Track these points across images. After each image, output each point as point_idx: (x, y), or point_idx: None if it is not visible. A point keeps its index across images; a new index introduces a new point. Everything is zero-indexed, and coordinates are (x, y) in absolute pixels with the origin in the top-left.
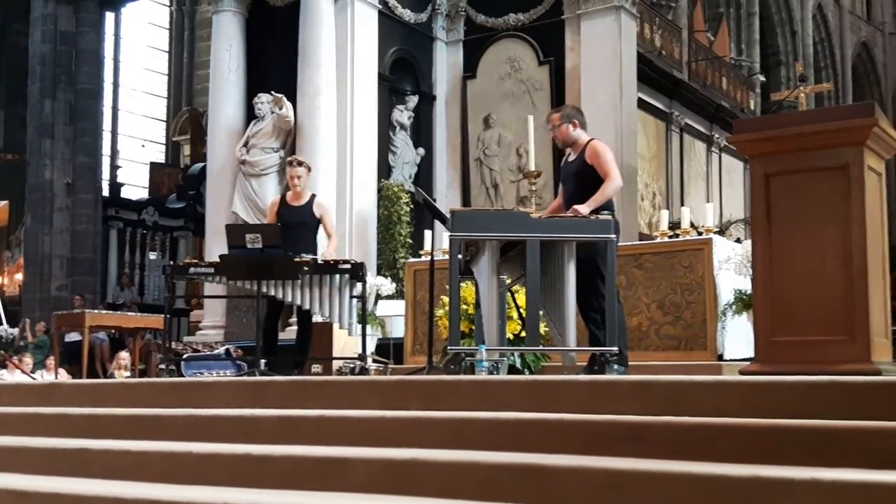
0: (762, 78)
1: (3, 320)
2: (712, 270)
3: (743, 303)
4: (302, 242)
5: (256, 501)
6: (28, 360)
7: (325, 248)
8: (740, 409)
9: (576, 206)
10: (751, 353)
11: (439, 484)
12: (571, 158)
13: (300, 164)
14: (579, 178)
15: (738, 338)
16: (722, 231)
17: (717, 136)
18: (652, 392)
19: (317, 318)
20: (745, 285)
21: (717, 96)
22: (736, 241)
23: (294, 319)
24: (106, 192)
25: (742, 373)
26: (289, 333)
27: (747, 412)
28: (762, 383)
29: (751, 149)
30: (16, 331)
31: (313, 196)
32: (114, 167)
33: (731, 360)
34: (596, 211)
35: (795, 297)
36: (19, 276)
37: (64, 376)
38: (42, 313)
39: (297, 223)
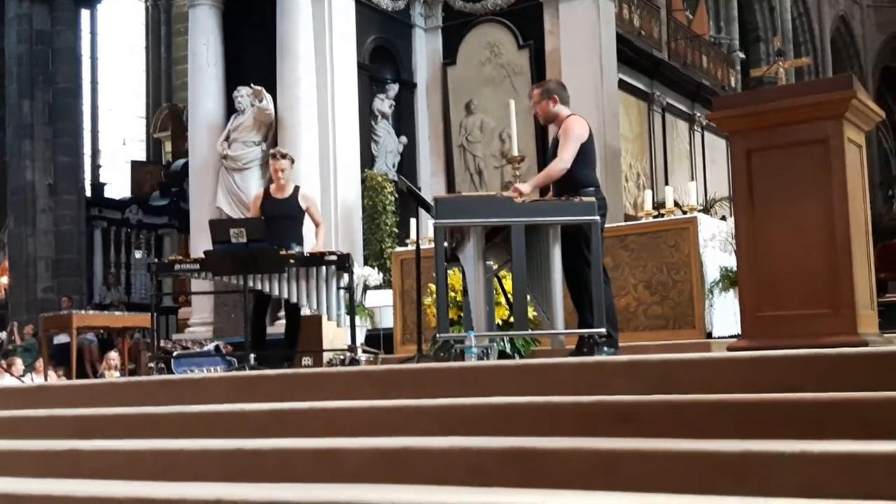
0: (741, 55)
1: None
2: (698, 249)
3: (729, 280)
4: (288, 235)
5: (250, 496)
6: (19, 364)
7: (314, 238)
8: (729, 385)
9: (516, 185)
10: (738, 330)
11: (432, 471)
12: (555, 135)
13: (283, 156)
14: (553, 155)
15: (725, 315)
16: (707, 209)
17: (698, 114)
18: (641, 371)
19: (305, 311)
20: (731, 262)
21: (698, 75)
22: (721, 219)
23: (283, 313)
24: (88, 192)
25: (730, 349)
26: (278, 328)
27: (736, 388)
28: (749, 358)
29: (731, 125)
30: (3, 334)
31: (297, 188)
32: (95, 166)
33: (719, 338)
34: (577, 192)
35: (780, 272)
36: (4, 280)
37: (53, 378)
38: (29, 316)
39: (282, 216)
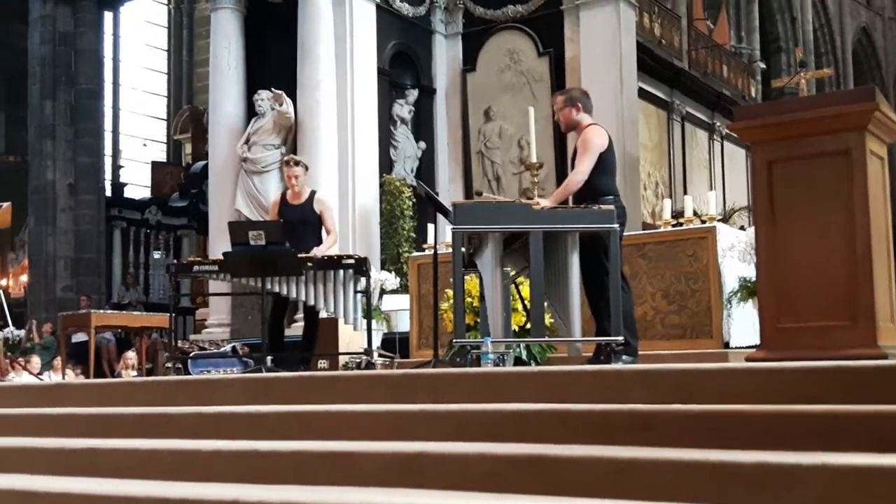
0: (762, 65)
1: (9, 322)
2: (716, 258)
3: (748, 290)
4: (305, 239)
5: (265, 497)
6: (36, 362)
7: (323, 244)
8: (747, 396)
9: (538, 199)
10: (757, 341)
11: (447, 476)
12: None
13: (297, 163)
14: (574, 164)
15: (743, 325)
16: (725, 219)
17: (718, 124)
18: (658, 380)
19: (322, 314)
20: (750, 273)
21: (718, 84)
22: (740, 229)
23: (300, 316)
24: (109, 192)
25: (748, 359)
26: (295, 330)
27: (754, 399)
28: (768, 370)
29: (752, 136)
30: (22, 332)
31: (313, 192)
32: (116, 167)
33: (737, 348)
34: (597, 200)
35: (800, 284)
36: (24, 278)
37: (71, 377)
38: (48, 314)
39: (298, 221)
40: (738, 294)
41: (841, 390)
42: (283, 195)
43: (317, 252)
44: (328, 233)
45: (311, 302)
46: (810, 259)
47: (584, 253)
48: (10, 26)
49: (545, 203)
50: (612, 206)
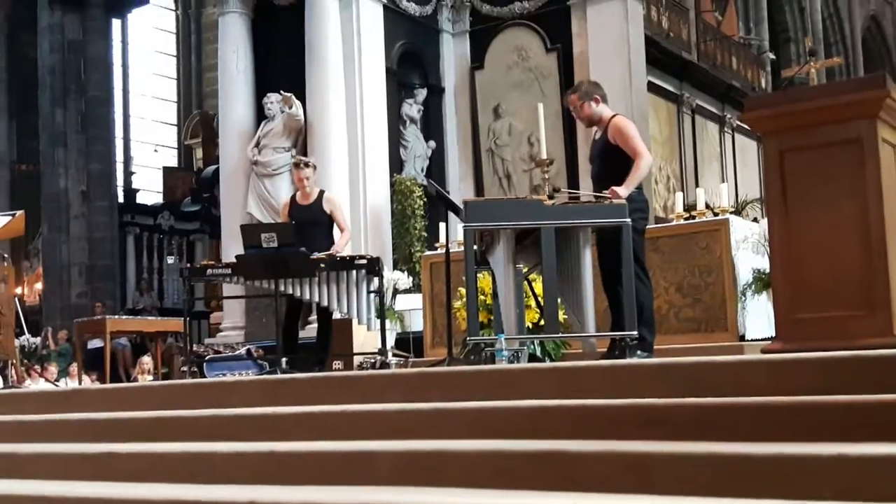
0: (772, 55)
1: (25, 330)
2: (730, 251)
3: (762, 282)
4: (317, 240)
5: (283, 498)
6: (53, 369)
7: (338, 243)
8: (763, 388)
9: (614, 188)
10: (772, 332)
11: (463, 473)
12: (598, 136)
13: (306, 164)
14: (605, 157)
15: (758, 317)
16: (738, 211)
17: (729, 115)
18: (673, 375)
19: (336, 315)
20: (764, 264)
21: (728, 76)
22: (752, 221)
23: (315, 317)
24: (121, 199)
25: (764, 352)
26: (309, 332)
27: (770, 391)
28: (784, 361)
29: (763, 126)
30: (37, 340)
31: (322, 192)
32: (128, 173)
33: (752, 340)
34: None
35: (814, 274)
36: (39, 286)
37: (87, 382)
38: (63, 321)
39: (309, 221)
40: (753, 286)
41: (858, 380)
42: (293, 197)
43: (334, 250)
44: (341, 231)
45: (325, 303)
46: (824, 249)
47: (606, 246)
48: (20, 36)
49: (621, 191)
50: (623, 200)
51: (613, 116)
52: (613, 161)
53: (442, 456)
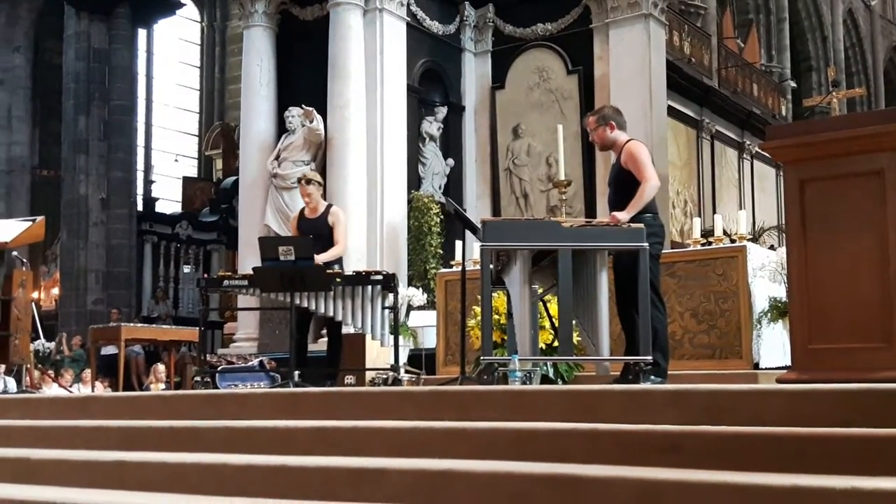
0: (793, 84)
1: (41, 335)
2: (746, 278)
3: (778, 311)
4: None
5: None
6: (68, 376)
7: (323, 254)
8: (778, 418)
9: (614, 214)
10: (787, 362)
11: (473, 494)
12: (614, 161)
13: (308, 181)
14: (618, 182)
15: (773, 346)
16: (755, 238)
17: (748, 142)
18: (688, 401)
19: (349, 330)
20: (780, 293)
21: (748, 103)
22: (769, 249)
23: (326, 331)
24: (140, 207)
25: (779, 381)
26: (320, 345)
27: (785, 421)
28: (800, 391)
29: (784, 155)
30: (52, 345)
31: (329, 206)
32: (148, 182)
33: (767, 369)
34: (636, 217)
35: (832, 305)
36: (55, 291)
37: (100, 389)
38: (78, 327)
39: (314, 234)
40: (769, 314)
41: (874, 413)
42: (302, 210)
43: (316, 259)
44: (336, 244)
45: (339, 317)
46: (843, 280)
47: (621, 270)
48: (46, 43)
49: (621, 216)
50: (641, 225)
51: (628, 141)
52: (627, 186)
53: (452, 476)
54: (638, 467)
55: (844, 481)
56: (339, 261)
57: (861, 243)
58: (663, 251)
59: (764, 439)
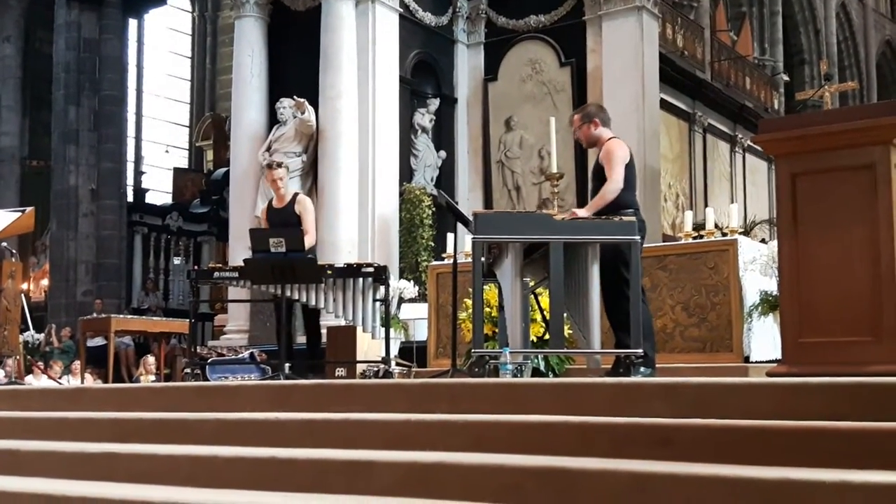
0: (786, 77)
1: (30, 326)
2: (738, 271)
3: (769, 304)
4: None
5: None
6: (57, 367)
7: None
8: (768, 412)
9: (574, 210)
10: (777, 355)
11: (464, 487)
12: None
13: (279, 165)
14: (597, 179)
15: (764, 339)
16: (747, 232)
17: (740, 136)
18: (679, 394)
19: (340, 322)
20: (771, 286)
21: (741, 96)
22: (761, 242)
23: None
24: (130, 198)
25: (769, 374)
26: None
27: (775, 414)
28: (790, 385)
29: (776, 148)
30: (41, 336)
31: (295, 195)
32: (138, 173)
33: (757, 362)
34: (616, 212)
35: (823, 298)
36: (45, 282)
37: (89, 381)
38: (68, 318)
39: (281, 224)
40: (760, 308)
41: (864, 407)
42: (270, 201)
43: None
44: (305, 234)
45: (330, 310)
46: (834, 273)
47: (603, 265)
48: (36, 32)
49: (581, 213)
50: (633, 218)
51: (610, 139)
52: (603, 181)
53: (443, 468)
54: (629, 460)
55: (835, 475)
56: (312, 250)
57: (853, 237)
58: (648, 245)
59: (755, 433)
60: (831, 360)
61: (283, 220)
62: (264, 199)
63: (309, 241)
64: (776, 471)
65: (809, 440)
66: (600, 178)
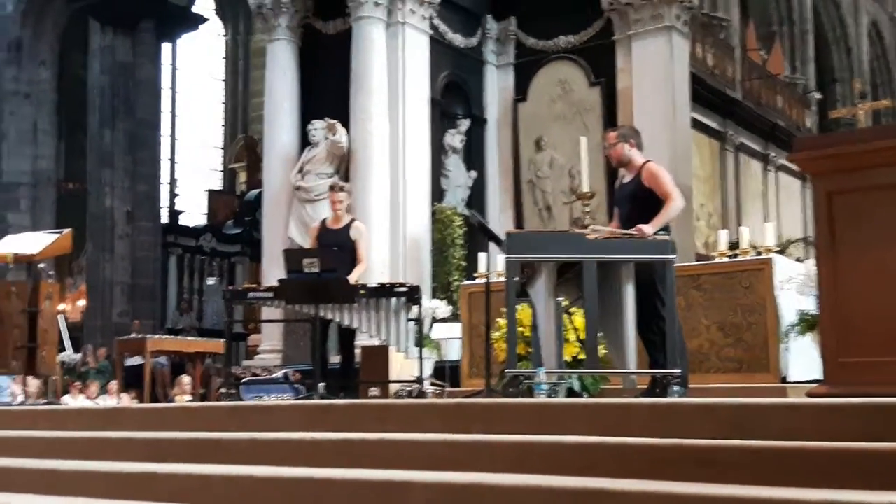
0: (818, 95)
1: (68, 346)
2: (773, 291)
3: (807, 324)
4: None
5: None
6: (94, 387)
7: (352, 274)
8: (809, 432)
9: (640, 226)
10: (816, 375)
11: None
12: (626, 180)
13: (342, 189)
14: (636, 200)
15: (802, 359)
16: (782, 250)
17: (773, 154)
18: (717, 415)
19: (374, 342)
20: (808, 305)
21: (772, 115)
22: (796, 261)
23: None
24: (165, 220)
25: (810, 395)
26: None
27: (816, 435)
28: (831, 405)
29: (812, 167)
30: (78, 356)
31: (352, 220)
32: (172, 195)
33: (795, 383)
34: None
35: (863, 318)
36: (82, 303)
37: (126, 400)
38: (104, 339)
39: (333, 245)
40: (797, 327)
41: None
42: (324, 221)
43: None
44: (359, 261)
45: (364, 329)
46: (873, 292)
47: (638, 284)
48: (72, 56)
49: (647, 229)
50: (668, 237)
51: (646, 162)
52: (645, 205)
53: (479, 489)
54: (667, 482)
55: (877, 496)
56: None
57: (891, 255)
58: (681, 264)
59: (797, 454)
60: (872, 379)
61: (336, 241)
62: (296, 219)
63: (361, 269)
64: (818, 493)
65: (852, 461)
66: (643, 199)
